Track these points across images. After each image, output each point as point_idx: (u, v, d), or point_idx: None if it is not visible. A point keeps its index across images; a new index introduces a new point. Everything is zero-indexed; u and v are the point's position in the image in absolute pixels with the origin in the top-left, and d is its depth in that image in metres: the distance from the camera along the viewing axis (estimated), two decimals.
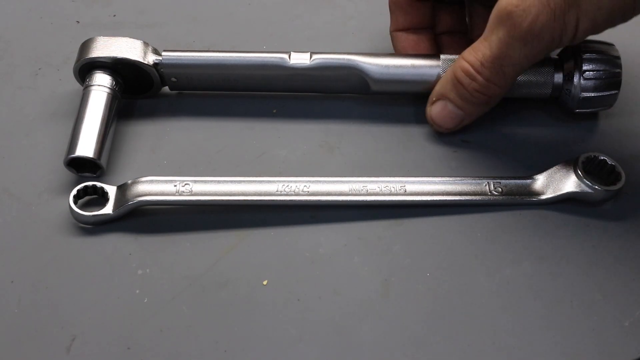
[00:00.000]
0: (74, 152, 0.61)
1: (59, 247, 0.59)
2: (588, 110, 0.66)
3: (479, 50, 0.59)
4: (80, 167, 0.62)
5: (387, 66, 0.66)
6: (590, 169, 0.62)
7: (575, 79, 0.64)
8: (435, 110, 0.65)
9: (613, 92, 0.64)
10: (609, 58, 0.64)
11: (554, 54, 0.67)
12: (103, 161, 0.62)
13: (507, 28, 0.56)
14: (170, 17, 0.78)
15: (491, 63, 0.59)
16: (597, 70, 0.63)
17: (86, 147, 0.61)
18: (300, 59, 0.66)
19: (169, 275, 0.57)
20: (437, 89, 0.64)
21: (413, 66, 0.66)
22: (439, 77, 0.65)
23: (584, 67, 0.63)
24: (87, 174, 0.63)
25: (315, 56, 0.66)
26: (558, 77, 0.65)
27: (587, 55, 0.63)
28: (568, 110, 0.66)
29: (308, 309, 0.56)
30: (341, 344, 0.54)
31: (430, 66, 0.66)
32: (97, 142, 0.62)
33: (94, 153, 0.61)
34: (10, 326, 0.54)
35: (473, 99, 0.62)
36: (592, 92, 0.64)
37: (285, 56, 0.66)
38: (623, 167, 0.61)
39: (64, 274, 0.57)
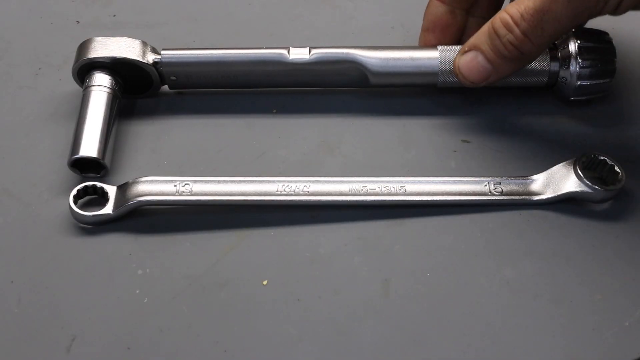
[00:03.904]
0: (77, 153, 0.61)
1: (59, 247, 0.59)
2: (583, 98, 0.67)
3: (522, 3, 0.59)
4: (83, 167, 0.62)
5: (385, 59, 0.66)
6: (590, 169, 0.62)
7: (572, 67, 0.65)
8: (465, 60, 0.63)
9: (608, 79, 0.65)
10: (604, 46, 0.65)
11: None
12: (106, 161, 0.62)
13: None
14: (170, 17, 0.78)
15: (532, 15, 0.58)
16: (593, 59, 0.64)
17: (90, 147, 0.61)
18: (299, 53, 0.66)
19: (169, 275, 0.57)
20: (471, 40, 0.63)
21: (411, 58, 0.66)
22: (437, 68, 0.66)
23: (580, 56, 0.64)
24: (90, 174, 0.63)
25: (314, 51, 0.66)
26: (554, 65, 0.66)
27: (582, 44, 0.64)
28: (564, 98, 0.67)
29: (308, 309, 0.56)
30: (341, 344, 0.54)
31: (429, 58, 0.66)
32: (101, 142, 0.61)
33: (98, 153, 0.61)
34: (10, 326, 0.54)
35: (506, 52, 0.61)
36: (588, 80, 0.65)
37: (285, 51, 0.66)
38: (623, 167, 0.61)
39: (64, 274, 0.57)
